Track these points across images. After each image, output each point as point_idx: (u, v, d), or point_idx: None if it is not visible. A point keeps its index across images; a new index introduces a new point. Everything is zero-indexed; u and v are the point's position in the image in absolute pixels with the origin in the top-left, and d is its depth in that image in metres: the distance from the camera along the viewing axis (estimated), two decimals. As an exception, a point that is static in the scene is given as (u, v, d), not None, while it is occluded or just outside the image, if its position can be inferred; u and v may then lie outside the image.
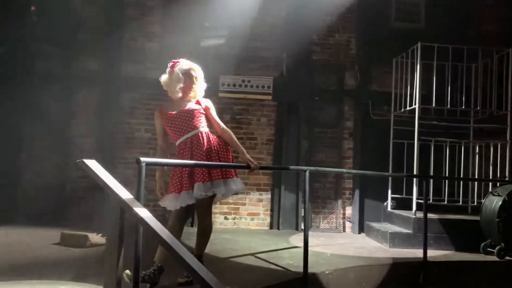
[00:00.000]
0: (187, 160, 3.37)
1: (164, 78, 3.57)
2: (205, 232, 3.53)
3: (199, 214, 3.54)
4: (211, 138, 3.50)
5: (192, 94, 3.59)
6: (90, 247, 4.77)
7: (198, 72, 3.60)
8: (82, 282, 3.32)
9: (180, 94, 3.54)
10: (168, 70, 3.56)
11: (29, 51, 6.53)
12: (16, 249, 4.60)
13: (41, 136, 6.51)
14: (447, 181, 6.37)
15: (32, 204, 6.27)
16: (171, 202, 3.38)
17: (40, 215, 6.18)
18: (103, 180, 2.38)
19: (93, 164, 2.49)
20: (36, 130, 6.52)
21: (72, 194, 6.52)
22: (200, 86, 3.62)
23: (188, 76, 3.53)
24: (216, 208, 6.83)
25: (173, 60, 3.59)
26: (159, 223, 2.12)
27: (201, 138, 3.45)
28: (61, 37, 6.47)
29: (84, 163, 2.47)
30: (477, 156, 6.56)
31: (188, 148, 3.43)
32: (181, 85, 3.50)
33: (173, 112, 3.50)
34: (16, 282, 3.30)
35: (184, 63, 3.56)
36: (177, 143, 3.50)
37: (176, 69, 3.51)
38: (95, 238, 4.91)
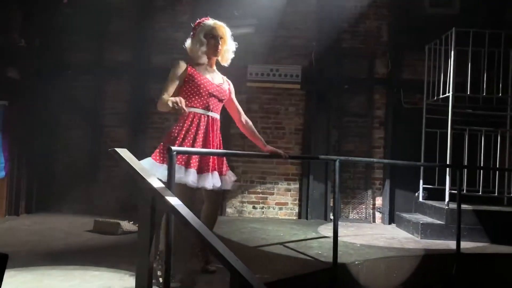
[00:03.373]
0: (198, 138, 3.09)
1: (188, 43, 3.24)
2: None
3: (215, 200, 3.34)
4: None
5: (219, 58, 3.24)
6: (122, 235, 4.88)
7: (224, 31, 3.19)
8: (114, 269, 3.39)
9: (205, 60, 3.18)
10: (191, 33, 3.23)
11: (63, 43, 6.68)
12: (52, 236, 4.74)
13: (74, 126, 6.68)
14: (481, 171, 6.18)
15: (66, 192, 6.46)
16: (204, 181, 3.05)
17: (74, 203, 6.36)
18: (134, 169, 2.42)
19: (124, 153, 2.52)
20: (69, 120, 6.69)
21: (104, 182, 6.67)
22: (228, 49, 3.23)
23: (212, 37, 3.16)
24: (245, 197, 6.87)
25: (197, 21, 3.23)
26: (190, 212, 2.14)
27: (218, 127, 3.22)
28: (93, 29, 6.59)
29: (116, 152, 2.51)
30: (514, 145, 6.34)
31: (203, 127, 3.12)
32: (204, 49, 3.14)
33: (209, 79, 3.16)
34: (51, 267, 3.40)
35: (207, 23, 3.17)
36: (193, 110, 3.11)
37: (198, 30, 3.16)
38: (127, 225, 5.01)
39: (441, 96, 6.18)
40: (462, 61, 5.95)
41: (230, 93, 3.34)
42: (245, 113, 3.45)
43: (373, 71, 7.03)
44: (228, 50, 3.26)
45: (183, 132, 3.10)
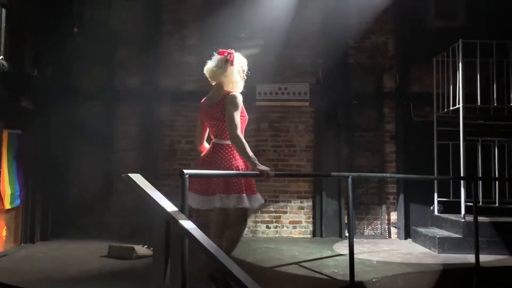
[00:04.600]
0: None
1: (217, 66, 3.45)
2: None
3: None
4: None
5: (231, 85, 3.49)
6: (136, 259, 4.87)
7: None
8: (130, 294, 3.38)
9: (225, 85, 3.46)
10: (222, 58, 3.45)
11: (73, 71, 6.80)
12: (67, 263, 4.76)
13: (87, 151, 6.74)
14: (497, 182, 6.09)
15: (81, 218, 6.49)
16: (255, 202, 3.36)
17: (88, 228, 6.39)
18: (148, 194, 2.43)
19: (138, 178, 2.54)
20: (82, 146, 6.76)
21: (118, 207, 6.69)
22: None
23: (243, 71, 3.55)
24: (258, 217, 6.83)
25: (226, 50, 3.47)
26: (204, 235, 2.14)
27: None
28: (102, 56, 6.70)
29: (129, 177, 2.53)
30: (528, 154, 6.25)
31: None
32: (240, 78, 3.48)
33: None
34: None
35: (240, 57, 3.53)
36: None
37: (237, 61, 3.46)
38: (142, 250, 5.01)
39: (451, 108, 6.16)
40: (470, 72, 5.94)
41: None
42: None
43: (381, 85, 7.04)
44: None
45: (242, 161, 3.33)
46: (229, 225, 3.43)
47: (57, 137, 6.44)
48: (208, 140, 3.58)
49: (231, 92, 3.40)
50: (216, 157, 3.32)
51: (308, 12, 6.84)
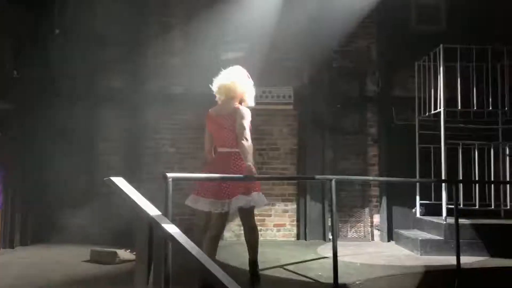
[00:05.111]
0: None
1: (232, 84, 3.86)
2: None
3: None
4: None
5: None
6: (119, 264, 4.82)
7: None
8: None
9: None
10: (241, 76, 3.89)
11: (55, 72, 6.68)
12: (48, 268, 4.67)
13: (69, 155, 6.62)
14: (477, 185, 6.20)
15: (62, 222, 6.38)
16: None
17: (70, 233, 6.28)
18: (131, 197, 2.40)
19: (120, 181, 2.51)
20: (63, 149, 6.64)
21: (100, 211, 6.60)
22: None
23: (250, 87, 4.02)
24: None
25: (241, 68, 3.95)
26: (188, 239, 2.12)
27: None
28: (85, 57, 6.63)
29: (111, 181, 2.50)
30: (507, 158, 6.37)
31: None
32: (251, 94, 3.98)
33: None
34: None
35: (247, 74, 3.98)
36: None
37: (249, 81, 3.93)
38: (125, 254, 4.95)
39: (432, 111, 6.25)
40: (451, 76, 6.04)
41: None
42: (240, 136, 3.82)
43: (364, 89, 7.11)
44: None
45: None
46: (246, 233, 3.93)
47: (38, 140, 6.32)
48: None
49: (241, 106, 3.84)
50: (235, 164, 3.73)
51: (293, 16, 6.85)
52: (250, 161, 3.60)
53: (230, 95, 3.85)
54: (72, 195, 6.58)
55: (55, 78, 6.71)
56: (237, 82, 3.86)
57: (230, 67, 3.99)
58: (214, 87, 3.90)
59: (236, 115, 3.74)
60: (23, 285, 3.84)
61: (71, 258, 5.13)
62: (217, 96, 3.94)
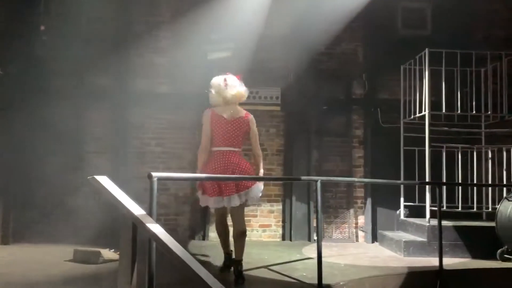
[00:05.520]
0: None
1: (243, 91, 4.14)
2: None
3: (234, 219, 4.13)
4: None
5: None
6: (103, 263, 4.77)
7: None
8: (95, 299, 3.31)
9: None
10: (237, 83, 4.10)
11: (40, 69, 6.60)
12: (30, 267, 4.60)
13: (53, 153, 6.54)
14: (460, 187, 6.29)
15: (45, 221, 6.30)
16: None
17: (52, 232, 6.20)
18: (115, 196, 2.39)
19: (104, 180, 2.49)
20: (47, 147, 6.55)
21: (84, 210, 6.53)
22: None
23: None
24: (227, 220, 6.79)
25: (235, 75, 4.16)
26: (172, 239, 2.12)
27: None
28: (71, 55, 6.54)
29: (95, 179, 2.48)
30: (490, 161, 6.47)
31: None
32: None
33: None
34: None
35: None
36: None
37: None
38: (108, 254, 4.90)
39: (417, 114, 6.32)
40: (436, 80, 6.12)
41: None
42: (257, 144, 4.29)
43: (350, 91, 7.16)
44: None
45: None
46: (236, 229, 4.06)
47: (22, 137, 6.24)
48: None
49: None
50: (242, 162, 4.04)
51: (280, 17, 6.88)
52: (262, 168, 4.22)
53: (237, 101, 4.14)
54: (56, 193, 6.49)
55: (40, 75, 6.62)
56: (246, 91, 4.21)
57: (229, 74, 4.18)
58: (229, 92, 4.05)
59: (250, 122, 4.09)
60: None
61: (53, 257, 5.06)
62: (221, 99, 4.07)
